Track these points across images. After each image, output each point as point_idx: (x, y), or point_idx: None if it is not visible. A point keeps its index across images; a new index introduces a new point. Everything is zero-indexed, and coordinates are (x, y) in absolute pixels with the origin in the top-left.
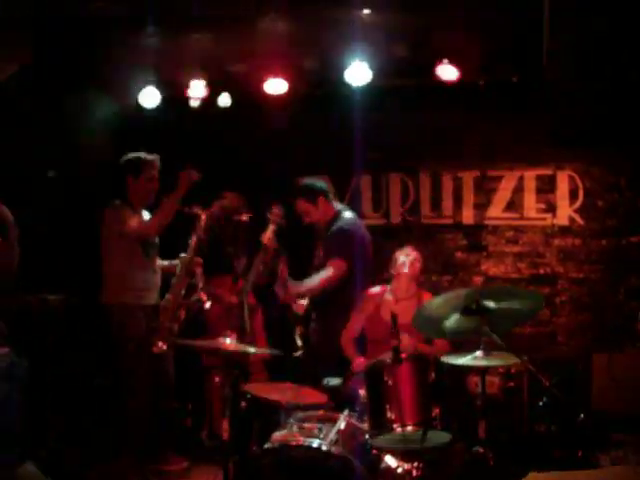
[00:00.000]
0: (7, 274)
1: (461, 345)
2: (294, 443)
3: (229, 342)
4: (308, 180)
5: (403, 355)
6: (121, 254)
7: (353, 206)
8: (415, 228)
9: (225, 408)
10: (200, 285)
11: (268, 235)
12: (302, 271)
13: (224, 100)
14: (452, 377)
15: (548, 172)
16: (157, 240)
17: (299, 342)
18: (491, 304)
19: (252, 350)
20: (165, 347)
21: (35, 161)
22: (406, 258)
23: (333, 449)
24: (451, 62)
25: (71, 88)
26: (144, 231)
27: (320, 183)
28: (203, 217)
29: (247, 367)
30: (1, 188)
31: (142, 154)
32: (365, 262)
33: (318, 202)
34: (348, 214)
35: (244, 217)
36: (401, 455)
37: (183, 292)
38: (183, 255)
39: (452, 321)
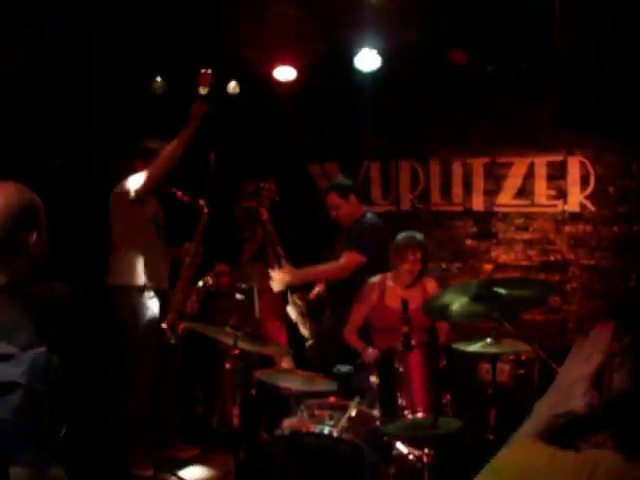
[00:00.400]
0: (39, 266)
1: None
2: (305, 430)
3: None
4: (342, 177)
5: (414, 342)
6: (134, 234)
7: (363, 193)
8: (425, 215)
9: (235, 395)
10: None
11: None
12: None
13: (233, 87)
14: (463, 364)
15: (559, 158)
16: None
17: (305, 332)
18: (501, 291)
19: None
20: (172, 339)
21: (39, 149)
22: (410, 265)
23: (344, 436)
24: (460, 47)
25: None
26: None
27: (351, 182)
28: (205, 209)
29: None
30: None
31: (151, 140)
32: (382, 262)
33: (350, 199)
34: (373, 215)
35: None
36: (412, 442)
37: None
38: (188, 244)
39: (461, 306)
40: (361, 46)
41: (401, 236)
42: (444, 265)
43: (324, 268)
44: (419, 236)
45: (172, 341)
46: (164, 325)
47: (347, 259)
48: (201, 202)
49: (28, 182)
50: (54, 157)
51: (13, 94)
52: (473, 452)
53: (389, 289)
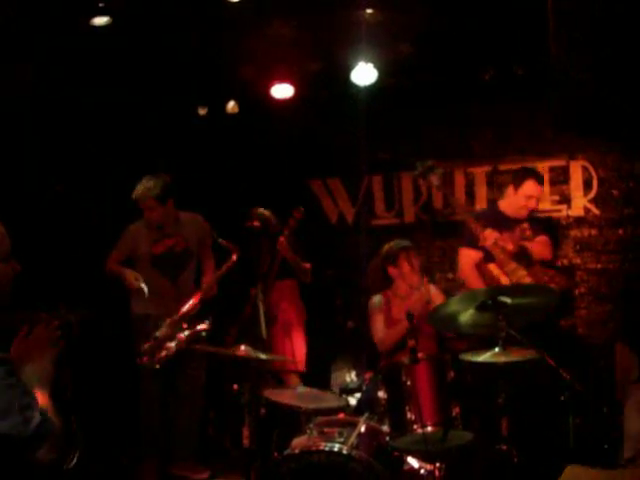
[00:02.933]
0: None
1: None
2: (315, 448)
3: (243, 349)
4: None
5: (420, 355)
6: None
7: (366, 206)
8: (429, 225)
9: (245, 415)
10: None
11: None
12: None
13: (232, 107)
14: (472, 375)
15: (561, 163)
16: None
17: None
18: (507, 300)
19: (263, 357)
20: (147, 362)
21: (43, 175)
22: (410, 265)
23: (354, 453)
24: (455, 57)
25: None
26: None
27: None
28: (235, 254)
29: (266, 374)
30: (11, 202)
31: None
32: None
33: None
34: None
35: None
36: (423, 456)
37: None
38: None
39: (468, 316)
40: (357, 60)
41: (389, 245)
42: (450, 275)
43: None
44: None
45: (156, 366)
46: (143, 349)
47: None
48: (234, 248)
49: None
50: (57, 183)
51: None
52: (486, 464)
53: (394, 306)
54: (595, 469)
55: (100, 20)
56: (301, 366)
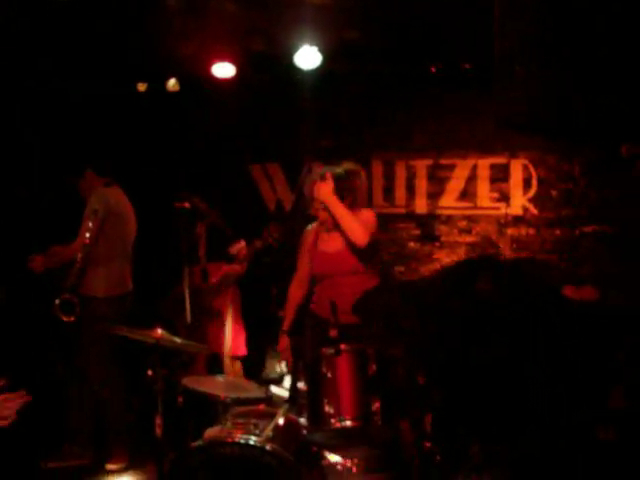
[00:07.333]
0: None
1: None
2: (229, 440)
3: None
4: None
5: (342, 347)
6: None
7: (304, 194)
8: None
9: (158, 403)
10: None
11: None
12: None
13: (172, 85)
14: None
15: (502, 161)
16: None
17: None
18: None
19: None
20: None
21: None
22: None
23: (268, 446)
24: (402, 47)
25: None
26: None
27: None
28: None
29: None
30: None
31: None
32: None
33: None
34: None
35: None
36: (341, 451)
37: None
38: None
39: None
40: (301, 43)
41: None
42: (401, 269)
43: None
44: (332, 169)
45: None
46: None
47: None
48: None
49: None
50: None
51: None
52: (408, 459)
53: (321, 235)
54: None
55: None
56: (241, 351)
